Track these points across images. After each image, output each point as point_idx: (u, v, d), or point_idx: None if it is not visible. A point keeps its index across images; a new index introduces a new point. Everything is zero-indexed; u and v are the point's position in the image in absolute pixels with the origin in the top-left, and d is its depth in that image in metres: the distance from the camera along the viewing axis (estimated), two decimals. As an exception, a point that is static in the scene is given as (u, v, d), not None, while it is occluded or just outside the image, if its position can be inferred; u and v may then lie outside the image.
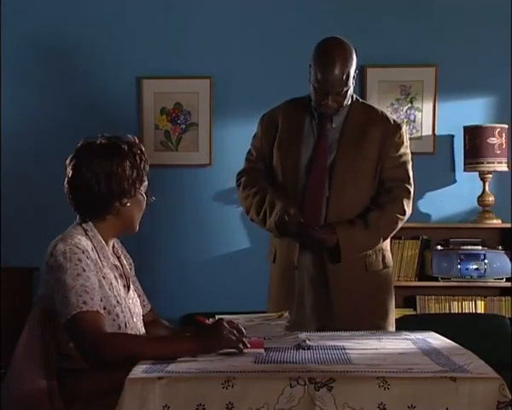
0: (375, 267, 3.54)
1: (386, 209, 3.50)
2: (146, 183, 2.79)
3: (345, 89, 3.44)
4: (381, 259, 3.56)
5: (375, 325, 3.45)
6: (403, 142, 3.56)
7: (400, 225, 3.55)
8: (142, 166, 2.74)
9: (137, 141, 2.78)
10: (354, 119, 3.54)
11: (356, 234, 3.46)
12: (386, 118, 3.59)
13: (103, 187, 2.67)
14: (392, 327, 3.59)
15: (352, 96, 3.57)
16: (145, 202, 2.80)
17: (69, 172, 2.72)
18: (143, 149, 2.78)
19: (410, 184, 3.56)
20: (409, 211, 3.56)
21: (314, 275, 3.53)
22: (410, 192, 3.55)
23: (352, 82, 3.46)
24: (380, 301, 3.57)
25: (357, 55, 3.48)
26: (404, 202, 3.53)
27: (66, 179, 2.73)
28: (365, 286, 3.52)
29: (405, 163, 3.57)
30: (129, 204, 2.72)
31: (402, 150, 3.56)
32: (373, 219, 3.48)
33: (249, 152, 3.73)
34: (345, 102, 3.50)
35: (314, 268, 3.53)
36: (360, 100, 3.63)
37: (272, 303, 3.58)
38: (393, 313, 3.64)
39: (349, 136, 3.52)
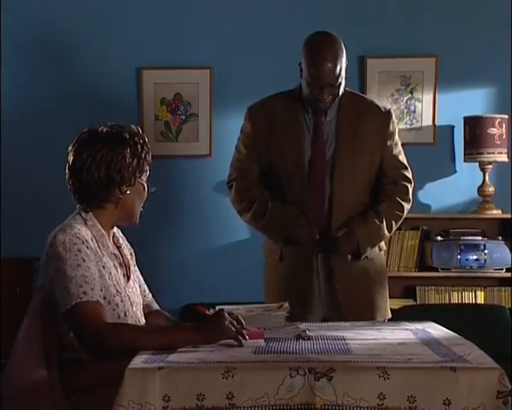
0: (372, 253, 3.60)
1: (394, 199, 3.59)
2: (147, 173, 2.80)
3: (338, 80, 3.44)
4: (377, 245, 3.64)
5: (374, 303, 3.59)
6: (395, 128, 3.64)
7: (406, 212, 3.65)
8: (143, 155, 2.74)
9: (140, 131, 2.79)
10: (346, 110, 3.56)
11: (371, 229, 3.54)
12: (377, 107, 3.64)
13: (103, 173, 2.67)
14: (386, 304, 3.67)
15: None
16: (146, 193, 2.80)
17: (70, 157, 2.73)
18: (146, 139, 2.78)
19: (408, 170, 3.65)
20: (411, 198, 3.66)
21: (321, 266, 3.56)
22: (410, 179, 3.65)
23: (343, 74, 3.47)
24: (378, 281, 3.64)
25: (346, 48, 3.48)
26: (409, 190, 3.63)
27: (66, 166, 2.74)
28: (365, 269, 3.59)
29: (400, 150, 3.65)
30: (129, 192, 2.73)
31: (396, 138, 3.64)
32: (385, 210, 3.57)
33: (238, 150, 3.68)
34: (339, 94, 3.50)
35: (319, 261, 3.57)
36: (348, 90, 3.63)
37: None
38: (387, 292, 3.71)
39: (344, 129, 3.54)
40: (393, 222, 3.59)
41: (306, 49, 3.46)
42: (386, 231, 3.58)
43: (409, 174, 3.64)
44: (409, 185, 3.62)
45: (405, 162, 3.65)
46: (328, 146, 3.53)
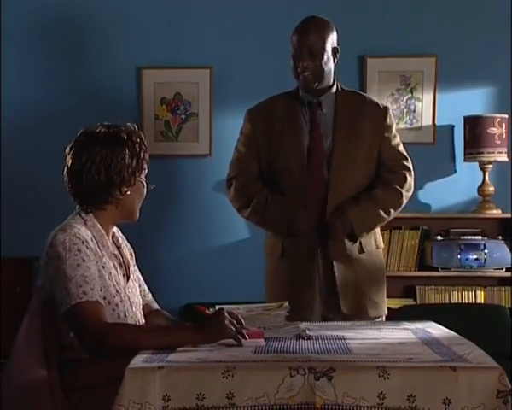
0: (369, 248, 3.63)
1: (390, 185, 3.61)
2: (146, 171, 2.80)
3: (321, 52, 3.51)
4: (373, 241, 3.65)
5: (368, 297, 3.62)
6: (392, 122, 3.69)
7: (406, 200, 3.65)
8: (141, 154, 2.74)
9: (137, 129, 2.79)
10: (343, 104, 3.62)
11: (364, 211, 3.54)
12: (375, 104, 3.70)
13: (103, 176, 2.67)
14: (381, 300, 3.68)
15: (338, 85, 3.66)
16: (145, 190, 2.80)
17: (69, 160, 2.72)
18: (143, 137, 2.78)
19: (408, 160, 3.68)
20: (412, 186, 3.67)
21: (321, 260, 3.58)
22: (410, 168, 3.66)
23: (330, 53, 3.55)
24: (375, 277, 3.66)
25: (337, 32, 3.59)
26: (408, 178, 3.64)
27: (65, 168, 2.74)
28: (363, 263, 3.62)
29: (399, 142, 3.69)
30: (129, 192, 2.73)
31: (394, 131, 3.68)
32: (379, 194, 3.59)
33: (237, 150, 3.74)
34: (324, 73, 3.55)
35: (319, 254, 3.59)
36: (344, 88, 3.69)
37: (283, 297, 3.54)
38: (384, 290, 3.74)
39: (342, 120, 3.59)
40: (391, 208, 3.59)
41: (294, 29, 3.60)
42: (382, 215, 3.58)
43: (408, 164, 3.66)
44: (407, 174, 3.63)
45: (405, 153, 3.67)
46: (325, 138, 3.58)
